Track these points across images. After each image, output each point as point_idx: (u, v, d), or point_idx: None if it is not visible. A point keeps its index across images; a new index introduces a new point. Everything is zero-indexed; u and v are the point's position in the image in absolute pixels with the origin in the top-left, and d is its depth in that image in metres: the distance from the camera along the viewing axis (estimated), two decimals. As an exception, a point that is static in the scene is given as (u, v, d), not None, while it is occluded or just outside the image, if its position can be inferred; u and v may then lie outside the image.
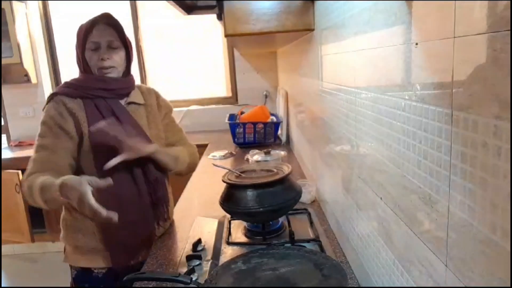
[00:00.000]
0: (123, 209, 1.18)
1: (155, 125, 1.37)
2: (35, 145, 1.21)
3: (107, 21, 1.25)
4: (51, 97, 1.27)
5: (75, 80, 1.30)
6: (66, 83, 1.31)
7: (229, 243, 1.22)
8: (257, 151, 2.04)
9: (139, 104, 1.35)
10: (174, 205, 1.64)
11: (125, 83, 1.32)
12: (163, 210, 1.33)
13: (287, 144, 2.66)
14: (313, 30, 1.39)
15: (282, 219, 1.32)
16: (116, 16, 1.27)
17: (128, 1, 3.39)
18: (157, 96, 1.45)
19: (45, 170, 1.16)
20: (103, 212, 1.00)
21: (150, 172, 1.28)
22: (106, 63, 1.25)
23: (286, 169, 1.23)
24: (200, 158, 2.50)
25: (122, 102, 1.32)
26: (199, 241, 1.21)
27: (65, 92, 1.26)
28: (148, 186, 1.28)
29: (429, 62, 0.54)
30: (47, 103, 1.26)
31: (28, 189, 1.15)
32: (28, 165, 1.20)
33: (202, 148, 2.78)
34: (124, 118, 1.26)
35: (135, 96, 1.35)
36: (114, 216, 1.02)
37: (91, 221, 1.24)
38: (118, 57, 1.27)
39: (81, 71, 1.30)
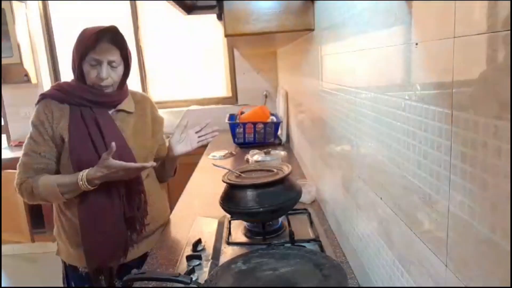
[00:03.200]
0: (97, 221, 1.24)
1: (142, 134, 1.37)
2: (27, 147, 1.24)
3: (112, 39, 1.21)
4: (42, 97, 1.27)
5: (67, 84, 1.29)
6: (58, 85, 1.30)
7: (229, 243, 1.22)
8: (257, 151, 2.04)
9: (128, 112, 1.34)
10: (172, 206, 1.64)
11: (117, 96, 1.31)
12: (137, 222, 1.31)
13: (287, 144, 2.66)
14: (313, 30, 1.39)
15: (282, 219, 1.32)
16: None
17: (128, 1, 3.39)
18: (153, 106, 1.45)
19: (38, 175, 1.23)
20: (141, 164, 1.20)
21: (120, 185, 1.25)
22: (104, 83, 1.24)
23: (286, 169, 1.23)
24: (200, 158, 2.52)
25: (112, 109, 1.32)
26: (199, 241, 1.21)
27: (54, 95, 1.26)
28: (121, 199, 1.26)
29: (429, 62, 0.54)
30: (38, 102, 1.26)
31: (29, 189, 1.22)
32: (19, 167, 1.25)
33: (202, 148, 2.77)
34: (106, 128, 1.25)
35: (126, 104, 1.34)
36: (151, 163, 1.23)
37: (75, 220, 1.26)
38: (116, 75, 1.26)
39: (75, 78, 1.28)
